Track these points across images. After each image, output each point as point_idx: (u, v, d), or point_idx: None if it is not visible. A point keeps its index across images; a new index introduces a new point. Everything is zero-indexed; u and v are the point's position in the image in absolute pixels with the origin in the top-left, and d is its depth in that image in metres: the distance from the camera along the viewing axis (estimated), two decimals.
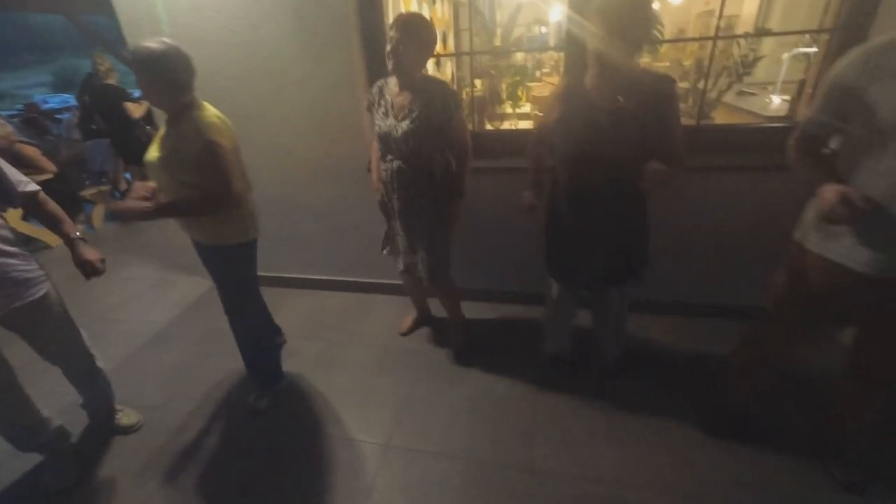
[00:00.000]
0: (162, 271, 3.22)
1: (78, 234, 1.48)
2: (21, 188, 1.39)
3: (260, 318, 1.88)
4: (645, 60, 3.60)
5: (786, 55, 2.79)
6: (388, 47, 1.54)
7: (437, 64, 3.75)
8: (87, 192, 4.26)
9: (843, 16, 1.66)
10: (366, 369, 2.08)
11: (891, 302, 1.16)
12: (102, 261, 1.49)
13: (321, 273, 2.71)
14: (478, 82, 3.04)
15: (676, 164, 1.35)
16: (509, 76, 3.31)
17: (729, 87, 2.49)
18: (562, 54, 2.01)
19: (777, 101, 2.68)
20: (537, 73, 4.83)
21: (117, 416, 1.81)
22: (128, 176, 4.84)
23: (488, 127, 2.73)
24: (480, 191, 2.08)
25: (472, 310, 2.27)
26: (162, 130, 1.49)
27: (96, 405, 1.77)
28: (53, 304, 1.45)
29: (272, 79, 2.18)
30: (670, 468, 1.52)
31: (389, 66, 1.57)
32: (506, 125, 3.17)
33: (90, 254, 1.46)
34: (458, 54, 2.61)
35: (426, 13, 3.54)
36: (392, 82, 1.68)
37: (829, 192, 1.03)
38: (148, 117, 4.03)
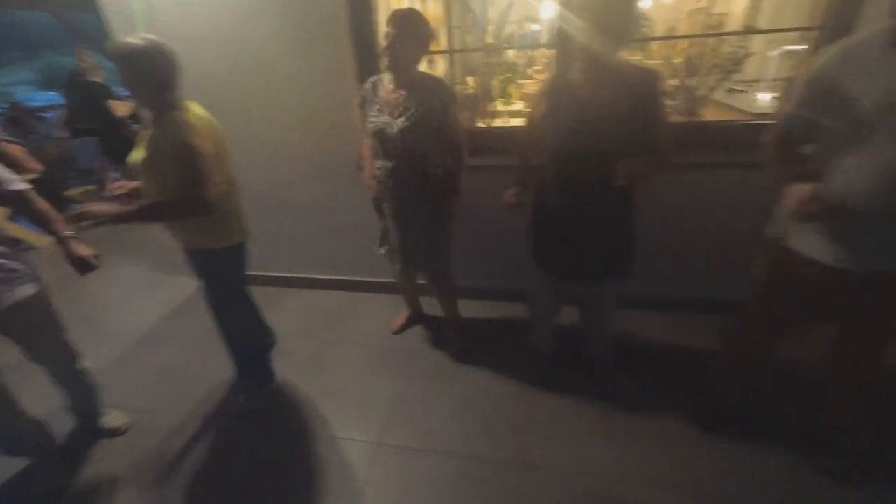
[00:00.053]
0: (152, 271, 3.18)
1: (69, 231, 1.45)
2: (9, 186, 1.36)
3: (248, 322, 1.84)
4: (636, 58, 3.62)
5: (774, 52, 2.81)
6: (385, 44, 1.53)
7: (430, 61, 3.74)
8: (74, 192, 4.20)
9: (829, 13, 1.68)
10: (358, 368, 2.07)
11: (866, 295, 1.18)
12: (96, 256, 1.48)
13: (313, 272, 2.69)
14: (469, 80, 3.04)
15: (661, 158, 1.36)
16: (501, 73, 3.30)
17: (718, 84, 2.51)
18: (554, 52, 2.02)
19: (766, 98, 2.70)
20: (529, 71, 4.83)
21: (104, 419, 1.78)
22: (115, 175, 4.77)
23: (480, 124, 2.73)
24: (474, 188, 2.08)
25: (465, 307, 2.27)
26: (148, 130, 1.46)
27: (82, 407, 1.74)
28: (43, 304, 1.44)
29: (260, 75, 2.15)
30: (666, 464, 1.52)
31: (385, 62, 1.56)
32: (497, 123, 3.16)
33: (83, 250, 1.45)
34: (450, 51, 2.61)
35: (417, 9, 3.50)
36: (386, 79, 1.66)
37: (797, 192, 1.07)
38: (135, 115, 3.97)
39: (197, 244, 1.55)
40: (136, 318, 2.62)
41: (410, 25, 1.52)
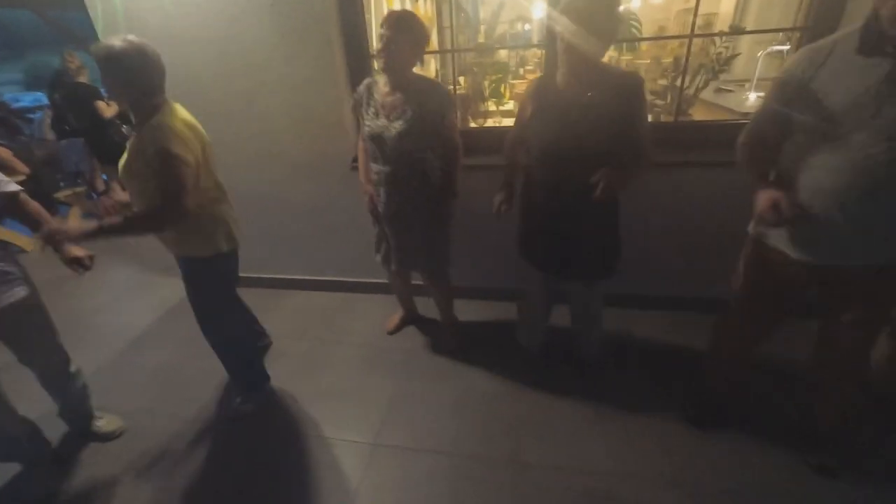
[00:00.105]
0: (144, 272, 3.15)
1: (36, 252, 1.45)
2: (2, 188, 1.35)
3: (235, 330, 1.78)
4: (626, 58, 3.65)
5: (761, 53, 2.86)
6: (379, 45, 1.52)
7: (421, 62, 3.73)
8: (62, 194, 4.14)
9: (813, 14, 1.72)
10: (353, 368, 2.08)
11: (843, 291, 1.22)
12: (91, 257, 1.47)
13: (307, 273, 2.69)
14: (461, 80, 3.03)
15: (643, 161, 1.39)
16: (493, 73, 3.32)
17: (706, 83, 2.54)
18: (544, 52, 2.04)
19: (753, 98, 2.75)
20: (521, 71, 4.85)
21: (97, 424, 1.77)
22: (104, 177, 4.71)
23: (472, 125, 2.74)
24: (466, 187, 2.09)
25: (461, 307, 2.28)
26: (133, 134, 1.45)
27: (74, 411, 1.72)
28: (35, 306, 1.43)
29: (250, 75, 2.14)
30: (659, 460, 1.54)
31: (380, 64, 1.56)
32: (489, 123, 3.18)
33: (77, 250, 1.44)
34: (442, 52, 2.60)
35: (409, 9, 3.51)
36: (381, 81, 1.65)
37: (763, 198, 1.12)
38: (122, 116, 3.92)
39: (184, 251, 1.53)
40: (129, 319, 2.59)
41: (406, 27, 1.51)
